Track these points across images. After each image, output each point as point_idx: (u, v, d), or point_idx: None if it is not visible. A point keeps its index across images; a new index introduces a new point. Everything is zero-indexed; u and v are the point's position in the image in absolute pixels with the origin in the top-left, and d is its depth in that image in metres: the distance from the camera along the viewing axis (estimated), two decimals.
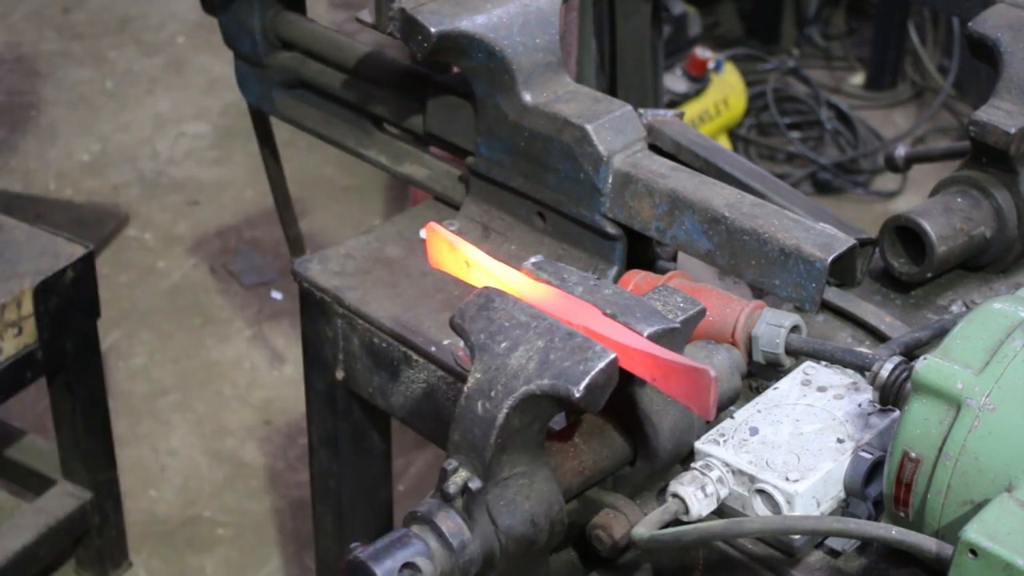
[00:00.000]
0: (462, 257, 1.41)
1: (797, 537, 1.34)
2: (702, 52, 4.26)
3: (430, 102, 1.89)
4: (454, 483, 1.27)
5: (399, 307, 1.79)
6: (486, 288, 1.35)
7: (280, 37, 2.09)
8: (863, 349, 1.57)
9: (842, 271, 1.64)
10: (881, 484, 1.30)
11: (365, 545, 1.26)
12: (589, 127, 1.68)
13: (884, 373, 1.34)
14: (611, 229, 1.70)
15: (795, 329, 1.52)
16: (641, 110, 1.88)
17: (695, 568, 1.40)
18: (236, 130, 4.43)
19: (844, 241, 1.55)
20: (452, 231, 1.47)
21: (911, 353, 1.48)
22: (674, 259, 1.81)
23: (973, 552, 1.16)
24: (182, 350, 3.65)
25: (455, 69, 1.84)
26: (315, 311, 1.87)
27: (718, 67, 4.32)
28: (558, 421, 1.40)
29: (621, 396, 1.33)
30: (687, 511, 1.34)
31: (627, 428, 1.40)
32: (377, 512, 2.14)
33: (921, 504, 1.26)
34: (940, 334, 1.51)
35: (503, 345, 1.29)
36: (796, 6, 5.11)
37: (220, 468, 3.32)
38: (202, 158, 4.43)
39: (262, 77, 2.12)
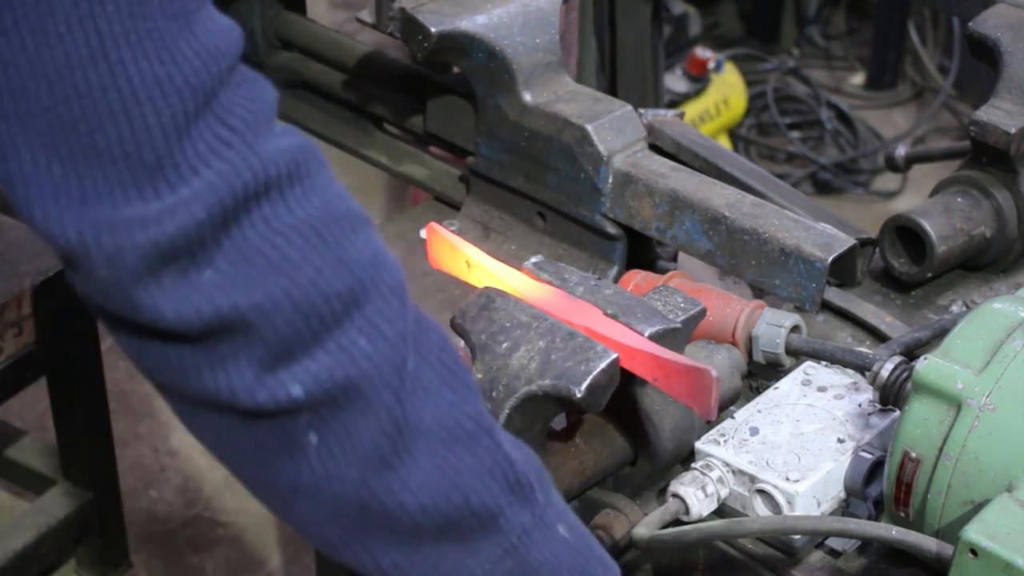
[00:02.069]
0: (463, 257, 1.41)
1: (797, 537, 1.34)
2: (702, 52, 4.26)
3: (430, 102, 1.89)
4: None
5: None
6: (487, 288, 1.36)
7: (280, 37, 2.09)
8: (863, 349, 1.57)
9: (842, 271, 1.64)
10: (881, 484, 1.30)
11: None
12: (589, 127, 1.68)
13: (884, 373, 1.35)
14: (611, 229, 1.70)
15: (795, 329, 1.52)
16: (641, 110, 1.88)
17: (695, 568, 1.40)
18: None
19: (844, 241, 1.55)
20: (452, 231, 1.47)
21: (911, 353, 1.48)
22: (674, 259, 1.81)
23: (973, 552, 1.16)
24: None
25: (455, 69, 1.84)
26: None
27: (718, 67, 4.32)
28: (559, 421, 1.40)
29: (622, 396, 1.33)
30: (687, 511, 1.34)
31: (628, 428, 1.40)
32: None
33: (921, 504, 1.26)
34: (940, 334, 1.51)
35: (504, 345, 1.29)
36: (796, 6, 5.11)
37: (220, 468, 3.29)
38: None
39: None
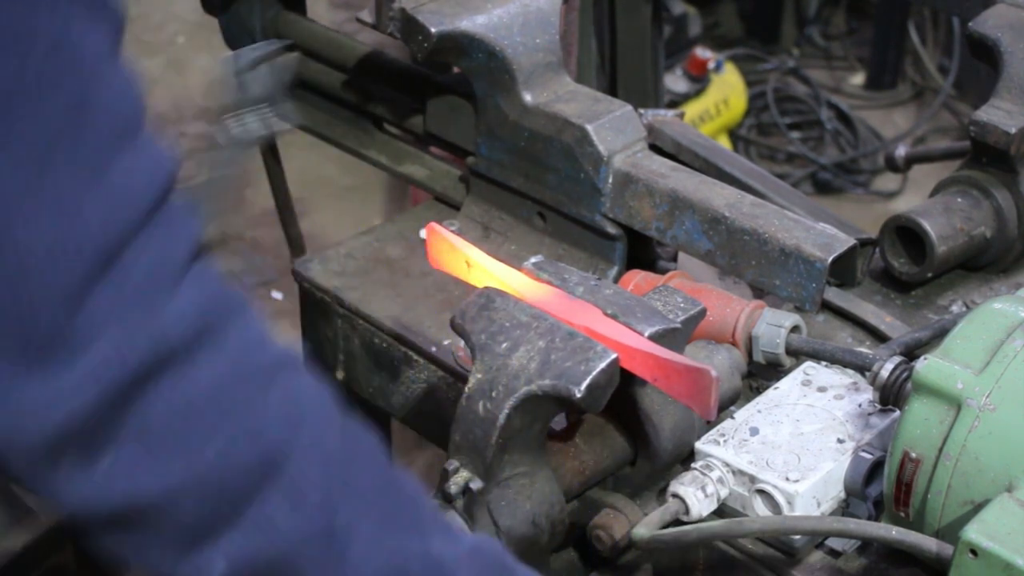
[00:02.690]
0: (463, 257, 1.41)
1: (797, 537, 1.34)
2: (702, 52, 4.26)
3: (430, 102, 1.89)
4: (455, 484, 1.27)
5: (399, 307, 1.79)
6: (487, 288, 1.36)
7: (280, 37, 2.09)
8: (863, 349, 1.57)
9: (842, 271, 1.64)
10: (881, 484, 1.30)
11: None
12: (589, 127, 1.68)
13: (884, 373, 1.34)
14: (611, 229, 1.70)
15: (795, 329, 1.52)
16: (641, 110, 1.88)
17: (695, 568, 1.40)
18: None
19: (844, 241, 1.55)
20: (452, 231, 1.47)
21: (911, 353, 1.49)
22: (674, 259, 1.81)
23: (973, 552, 1.16)
24: None
25: (455, 69, 1.84)
26: (315, 311, 1.87)
27: (718, 67, 4.32)
28: (559, 421, 1.40)
29: (622, 396, 1.33)
30: (687, 511, 1.34)
31: (628, 428, 1.40)
32: None
33: (921, 504, 1.26)
34: (940, 334, 1.51)
35: (504, 345, 1.29)
36: (796, 6, 5.11)
37: None
38: (202, 158, 4.42)
39: None
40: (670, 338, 1.31)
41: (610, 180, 1.68)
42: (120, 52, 0.93)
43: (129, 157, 0.90)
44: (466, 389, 1.29)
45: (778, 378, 1.49)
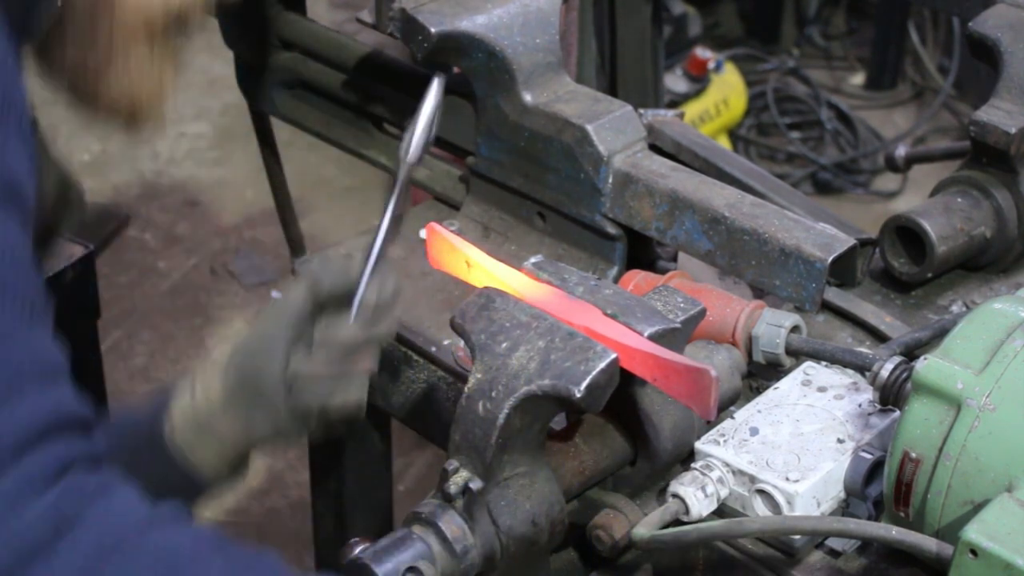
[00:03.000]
0: (463, 257, 1.41)
1: (797, 537, 1.34)
2: (702, 52, 4.26)
3: None
4: (455, 483, 1.27)
5: (399, 307, 1.78)
6: (487, 288, 1.36)
7: (280, 37, 2.09)
8: (863, 349, 1.57)
9: (842, 271, 1.64)
10: (881, 484, 1.30)
11: (366, 542, 1.26)
12: (589, 127, 1.68)
13: (884, 373, 1.34)
14: (611, 229, 1.70)
15: (795, 329, 1.52)
16: (641, 110, 1.88)
17: (695, 568, 1.40)
18: (236, 130, 4.44)
19: (844, 241, 1.55)
20: (452, 231, 1.47)
21: (911, 353, 1.49)
22: (674, 259, 1.81)
23: (973, 552, 1.16)
24: (182, 350, 3.65)
25: (455, 69, 1.84)
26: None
27: (718, 67, 4.32)
28: (559, 421, 1.40)
29: (622, 396, 1.33)
30: (687, 511, 1.34)
31: (628, 428, 1.40)
32: (377, 512, 2.14)
33: (921, 504, 1.26)
34: (940, 334, 1.51)
35: (504, 345, 1.29)
36: (796, 6, 5.11)
37: None
38: (202, 158, 4.43)
39: (262, 77, 2.12)
40: (670, 338, 1.31)
41: (610, 180, 1.68)
42: (43, 318, 1.06)
43: (8, 409, 0.99)
44: (466, 389, 1.29)
45: (778, 378, 1.49)
